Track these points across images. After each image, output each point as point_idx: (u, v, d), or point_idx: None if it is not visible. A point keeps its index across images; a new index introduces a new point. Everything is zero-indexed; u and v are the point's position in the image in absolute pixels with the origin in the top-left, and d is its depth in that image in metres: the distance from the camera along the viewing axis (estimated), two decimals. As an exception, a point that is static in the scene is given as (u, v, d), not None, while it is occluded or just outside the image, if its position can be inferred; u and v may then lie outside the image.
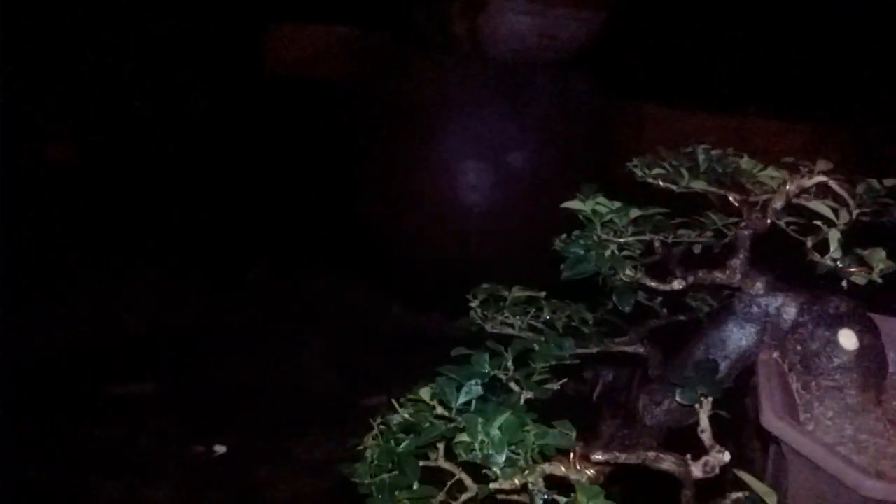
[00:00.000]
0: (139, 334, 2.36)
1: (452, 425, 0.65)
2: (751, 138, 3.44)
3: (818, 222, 0.69)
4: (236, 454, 1.87)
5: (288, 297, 2.72)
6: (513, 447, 0.61)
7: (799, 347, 0.72)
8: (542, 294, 0.89)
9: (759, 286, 0.73)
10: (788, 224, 0.72)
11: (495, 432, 0.61)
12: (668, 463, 0.67)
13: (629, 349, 0.83)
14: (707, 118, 3.59)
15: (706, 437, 0.68)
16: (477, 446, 0.61)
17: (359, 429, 0.75)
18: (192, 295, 2.59)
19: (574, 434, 0.64)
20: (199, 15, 3.74)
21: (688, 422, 0.77)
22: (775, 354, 0.74)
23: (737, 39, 3.50)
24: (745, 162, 0.80)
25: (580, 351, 0.78)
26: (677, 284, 0.74)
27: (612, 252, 0.74)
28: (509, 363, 0.72)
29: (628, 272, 0.72)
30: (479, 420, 0.62)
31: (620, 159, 0.88)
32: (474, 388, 0.67)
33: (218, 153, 3.46)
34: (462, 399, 0.66)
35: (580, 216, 0.77)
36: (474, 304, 0.85)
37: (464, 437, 0.62)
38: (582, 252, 0.75)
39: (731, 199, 0.76)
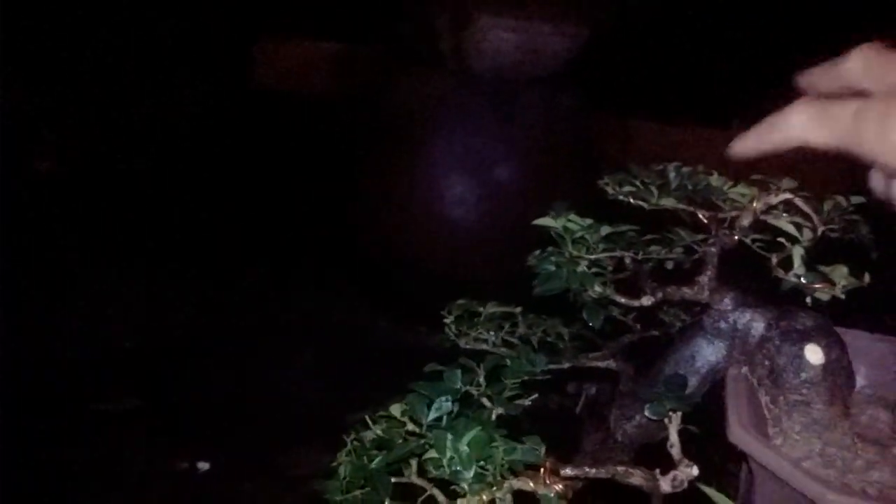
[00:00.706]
0: (125, 348, 2.36)
1: (423, 441, 0.66)
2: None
3: (782, 239, 0.70)
4: (220, 470, 1.87)
5: (275, 312, 2.73)
6: (481, 463, 0.62)
7: (767, 362, 0.73)
8: (518, 309, 0.90)
9: (727, 302, 0.74)
10: (754, 241, 0.73)
11: (464, 448, 0.62)
12: (637, 477, 0.68)
13: (602, 364, 0.84)
14: (692, 131, 3.62)
15: (675, 451, 0.69)
16: (445, 462, 0.61)
17: (344, 445, 0.76)
18: (176, 309, 2.60)
19: (543, 449, 0.65)
20: (190, 29, 3.76)
21: (660, 437, 0.78)
22: (744, 369, 0.75)
23: (722, 52, 3.53)
24: (715, 179, 0.81)
25: (552, 366, 0.79)
26: (646, 300, 0.75)
27: (583, 269, 0.75)
28: (481, 379, 0.73)
29: (597, 288, 0.73)
30: (449, 436, 0.63)
31: (607, 174, 0.89)
32: (445, 405, 0.67)
33: (208, 168, 3.48)
34: (432, 415, 0.67)
35: (552, 233, 0.78)
36: (449, 319, 0.86)
37: (433, 454, 0.62)
38: (553, 268, 0.75)
39: (699, 215, 0.77)
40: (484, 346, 0.83)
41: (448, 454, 0.61)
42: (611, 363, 0.83)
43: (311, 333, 2.57)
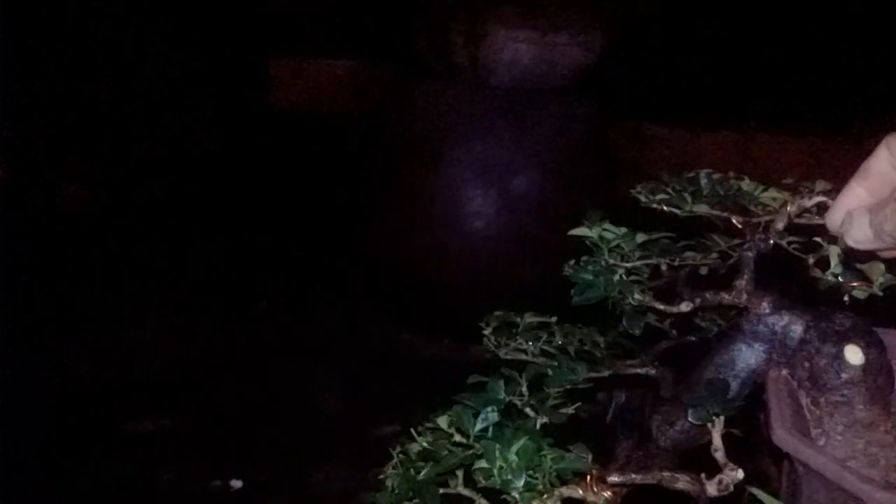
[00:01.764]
0: (152, 370, 2.38)
1: (471, 452, 0.67)
2: (753, 154, 3.47)
3: (818, 239, 0.71)
4: (253, 488, 1.88)
5: (298, 328, 2.75)
6: (531, 472, 0.63)
7: (806, 364, 0.73)
8: (554, 319, 0.90)
9: (765, 305, 0.74)
10: (790, 243, 0.74)
11: (513, 457, 0.63)
12: (683, 482, 0.68)
13: (641, 371, 0.85)
14: (709, 136, 3.62)
15: (719, 455, 0.69)
16: (496, 472, 0.62)
17: (374, 458, 0.77)
18: (202, 329, 2.62)
19: (590, 457, 0.65)
20: (205, 52, 3.80)
21: (701, 441, 0.78)
22: (784, 372, 0.75)
23: (735, 58, 3.53)
24: (746, 184, 0.82)
25: (593, 375, 0.80)
26: (685, 306, 0.76)
27: (621, 277, 0.76)
28: (524, 389, 0.74)
29: (637, 296, 0.74)
30: (497, 446, 0.64)
31: (624, 181, 0.90)
32: (491, 415, 0.68)
33: (225, 188, 3.51)
34: (479, 426, 0.68)
35: (587, 242, 0.79)
36: (487, 331, 0.87)
37: (482, 464, 0.63)
38: (591, 278, 0.76)
39: (734, 221, 0.77)
40: (523, 357, 0.84)
41: (498, 464, 0.62)
42: (650, 370, 0.84)
43: (336, 349, 2.59)
